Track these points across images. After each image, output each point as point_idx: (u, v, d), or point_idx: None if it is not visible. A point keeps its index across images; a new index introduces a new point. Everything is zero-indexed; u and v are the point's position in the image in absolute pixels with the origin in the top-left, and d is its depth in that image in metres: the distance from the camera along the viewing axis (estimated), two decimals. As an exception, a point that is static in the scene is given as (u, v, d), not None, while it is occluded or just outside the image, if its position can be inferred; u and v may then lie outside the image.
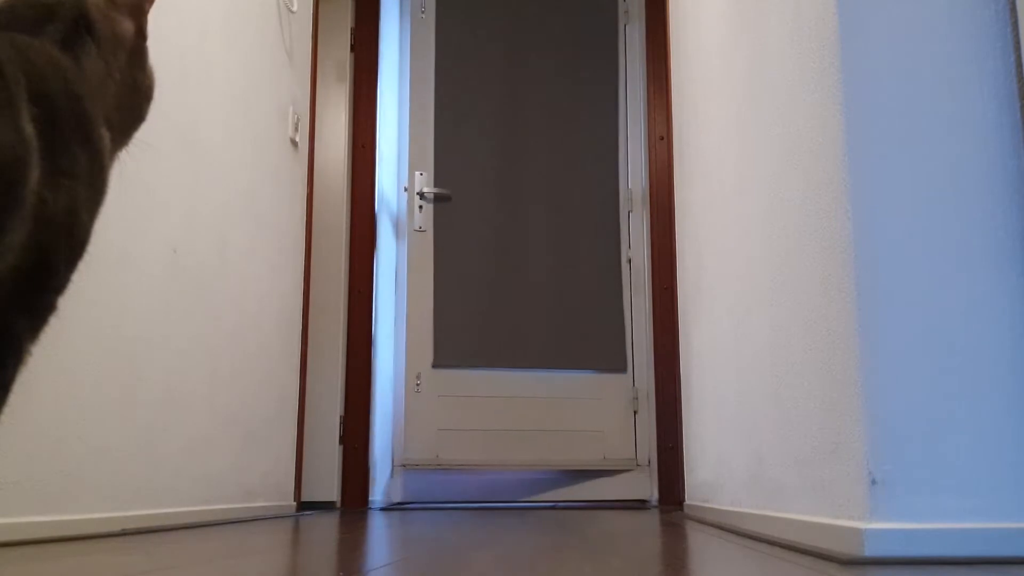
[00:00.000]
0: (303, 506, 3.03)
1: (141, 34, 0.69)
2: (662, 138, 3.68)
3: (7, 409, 0.58)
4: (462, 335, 3.79)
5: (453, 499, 3.70)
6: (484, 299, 3.70)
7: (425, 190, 3.88)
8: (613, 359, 3.77)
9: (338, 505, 3.38)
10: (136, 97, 0.70)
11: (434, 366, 3.76)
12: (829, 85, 1.31)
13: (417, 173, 3.90)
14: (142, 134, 0.75)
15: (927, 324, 1.20)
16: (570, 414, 3.68)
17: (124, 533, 1.80)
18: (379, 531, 2.01)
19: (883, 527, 1.14)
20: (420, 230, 3.86)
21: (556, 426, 3.67)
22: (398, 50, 4.05)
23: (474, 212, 3.83)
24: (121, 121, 0.68)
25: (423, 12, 4.06)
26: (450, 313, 3.77)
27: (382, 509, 3.27)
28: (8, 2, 0.62)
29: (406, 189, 3.88)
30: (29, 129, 0.53)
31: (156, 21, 0.74)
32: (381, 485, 3.64)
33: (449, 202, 3.87)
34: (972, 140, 1.23)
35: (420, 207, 3.87)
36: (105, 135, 0.63)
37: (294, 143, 2.97)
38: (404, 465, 3.68)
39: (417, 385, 3.77)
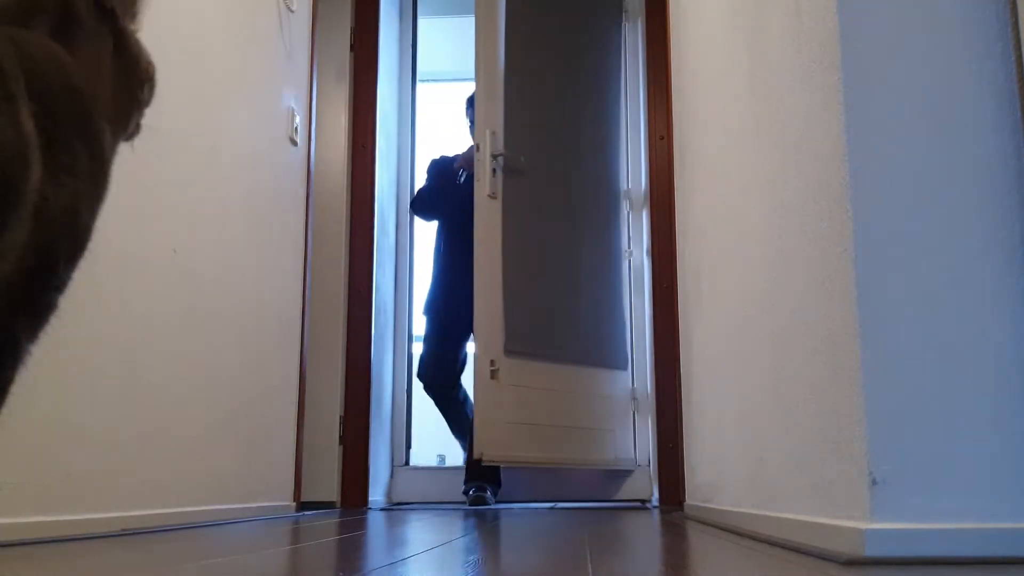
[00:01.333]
0: (303, 506, 3.03)
1: (112, 13, 0.67)
2: (662, 138, 3.68)
3: (6, 409, 0.58)
4: (529, 320, 3.46)
5: (450, 500, 3.70)
6: (540, 284, 3.52)
7: (498, 152, 3.46)
8: (618, 357, 3.75)
9: (338, 505, 3.38)
10: (129, 81, 0.68)
11: (507, 353, 3.33)
12: (829, 85, 1.31)
13: (489, 131, 3.46)
14: (151, 120, 0.74)
15: (927, 324, 1.19)
16: (584, 411, 3.62)
17: (124, 533, 1.80)
18: (379, 531, 2.01)
19: (883, 527, 1.14)
20: (492, 196, 3.43)
21: (581, 423, 3.59)
22: (399, 34, 4.05)
23: (533, 186, 3.57)
24: (118, 110, 0.67)
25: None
26: (519, 293, 3.42)
27: (381, 509, 3.27)
28: None
29: (478, 148, 3.45)
30: (29, 126, 0.53)
31: (155, 20, 0.74)
32: (381, 485, 3.64)
33: (515, 175, 3.51)
34: (972, 140, 1.23)
35: (494, 171, 3.44)
36: (105, 128, 0.62)
37: (294, 142, 2.97)
38: (481, 460, 3.20)
39: (492, 372, 3.28)
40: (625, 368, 3.78)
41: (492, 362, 3.26)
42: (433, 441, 4.34)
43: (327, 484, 3.37)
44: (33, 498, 1.59)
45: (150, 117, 0.73)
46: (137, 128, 0.73)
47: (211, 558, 1.33)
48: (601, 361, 3.66)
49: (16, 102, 0.52)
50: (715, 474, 2.26)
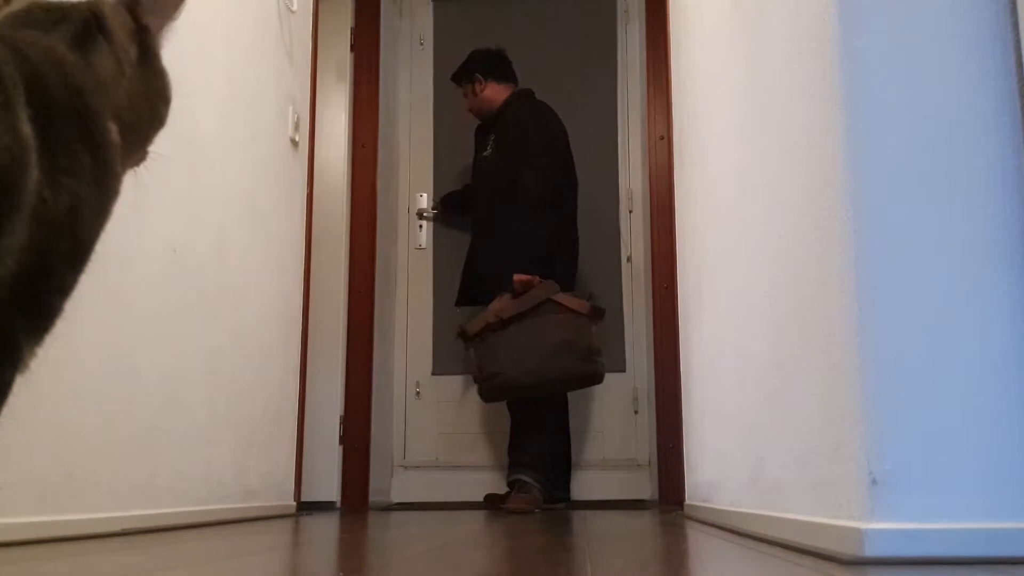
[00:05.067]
0: (303, 506, 3.02)
1: (145, 29, 0.69)
2: (662, 138, 3.68)
3: (6, 410, 0.58)
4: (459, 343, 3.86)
5: (453, 500, 3.70)
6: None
7: (423, 207, 3.98)
8: (612, 360, 3.76)
9: (338, 505, 3.38)
10: (150, 93, 0.69)
11: (433, 374, 3.88)
12: (829, 85, 1.31)
13: (418, 195, 4.01)
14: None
15: (927, 324, 1.20)
16: (571, 414, 3.65)
17: (124, 533, 1.80)
18: (379, 531, 2.01)
19: (883, 527, 1.14)
20: (420, 248, 3.96)
21: None
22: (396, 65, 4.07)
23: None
24: (136, 119, 0.67)
25: (422, 44, 4.12)
26: (449, 324, 3.83)
27: (382, 509, 3.27)
28: (25, 6, 0.62)
29: (417, 212, 4.01)
30: (27, 130, 0.53)
31: (171, 36, 0.74)
32: (381, 485, 3.64)
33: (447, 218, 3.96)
34: (972, 139, 1.23)
35: (420, 226, 3.96)
36: (112, 129, 0.62)
37: (294, 143, 2.97)
38: (405, 466, 3.70)
39: (417, 392, 3.86)
40: (622, 370, 3.79)
41: (417, 384, 3.80)
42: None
43: (327, 484, 3.37)
44: (33, 498, 1.59)
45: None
46: (145, 154, 0.74)
47: (211, 558, 1.33)
48: None
49: (14, 108, 0.52)
50: (715, 474, 2.26)
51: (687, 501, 2.70)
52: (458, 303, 3.59)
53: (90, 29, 0.63)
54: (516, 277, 3.15)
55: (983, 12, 1.25)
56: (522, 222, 3.26)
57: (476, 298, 3.45)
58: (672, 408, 3.26)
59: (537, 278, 3.16)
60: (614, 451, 3.76)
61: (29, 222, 0.53)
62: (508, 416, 3.35)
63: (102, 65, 0.62)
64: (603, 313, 3.24)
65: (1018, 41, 1.23)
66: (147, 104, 0.68)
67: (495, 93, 3.57)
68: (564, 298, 3.17)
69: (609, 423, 3.74)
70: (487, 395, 3.20)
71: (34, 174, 0.53)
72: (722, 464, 2.15)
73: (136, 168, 0.73)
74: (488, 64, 3.61)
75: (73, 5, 0.63)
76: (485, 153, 3.51)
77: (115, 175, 0.63)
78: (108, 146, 0.61)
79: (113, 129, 0.62)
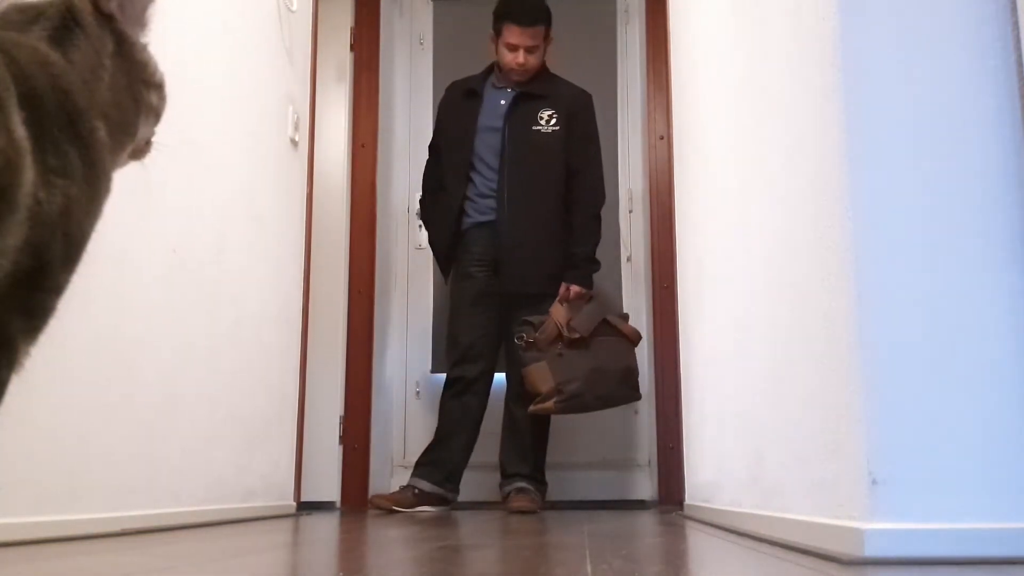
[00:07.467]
0: (303, 506, 3.02)
1: (112, 17, 0.68)
2: (662, 138, 3.67)
3: (4, 409, 0.58)
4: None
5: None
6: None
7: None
8: None
9: (338, 505, 3.37)
10: (132, 82, 0.69)
11: (433, 372, 3.83)
12: (829, 84, 1.31)
13: (418, 195, 3.86)
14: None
15: (927, 324, 1.19)
16: (570, 415, 3.64)
17: (124, 533, 1.80)
18: (379, 531, 2.01)
19: (883, 527, 1.13)
20: (420, 248, 3.90)
21: (554, 426, 3.62)
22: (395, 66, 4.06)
23: None
24: (122, 113, 0.67)
25: (421, 43, 4.11)
26: (448, 324, 3.78)
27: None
28: (1, 10, 0.62)
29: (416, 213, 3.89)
30: (21, 132, 0.53)
31: (155, 21, 0.74)
32: (381, 485, 3.64)
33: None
34: (972, 139, 1.23)
35: (420, 226, 3.88)
36: (99, 127, 0.62)
37: (294, 143, 2.97)
38: (405, 466, 3.72)
39: (417, 392, 3.84)
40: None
41: (416, 383, 3.79)
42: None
43: (327, 484, 3.37)
44: (33, 498, 1.59)
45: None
46: (148, 145, 0.74)
47: (211, 558, 1.33)
48: None
49: (8, 111, 0.53)
50: (715, 474, 2.26)
51: (687, 501, 2.70)
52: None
53: (67, 24, 0.63)
54: (576, 290, 3.09)
55: (983, 12, 1.25)
56: (593, 228, 3.20)
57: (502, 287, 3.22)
58: (672, 408, 3.26)
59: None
60: (614, 451, 3.76)
61: (24, 223, 0.54)
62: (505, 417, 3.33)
63: (83, 62, 0.63)
64: (640, 338, 3.21)
65: (1018, 41, 1.23)
66: (129, 93, 0.68)
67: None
68: (616, 321, 3.15)
69: (609, 423, 3.74)
70: (561, 411, 3.05)
71: (29, 176, 0.53)
72: (722, 464, 2.15)
73: (143, 160, 0.73)
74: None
75: (49, 4, 0.63)
76: (539, 128, 3.25)
77: (104, 173, 0.63)
78: (97, 145, 0.61)
79: (100, 127, 0.62)
